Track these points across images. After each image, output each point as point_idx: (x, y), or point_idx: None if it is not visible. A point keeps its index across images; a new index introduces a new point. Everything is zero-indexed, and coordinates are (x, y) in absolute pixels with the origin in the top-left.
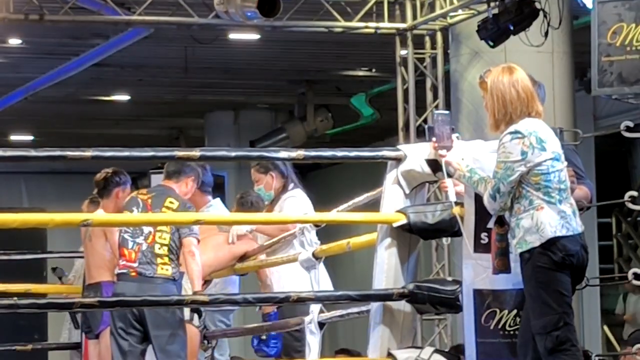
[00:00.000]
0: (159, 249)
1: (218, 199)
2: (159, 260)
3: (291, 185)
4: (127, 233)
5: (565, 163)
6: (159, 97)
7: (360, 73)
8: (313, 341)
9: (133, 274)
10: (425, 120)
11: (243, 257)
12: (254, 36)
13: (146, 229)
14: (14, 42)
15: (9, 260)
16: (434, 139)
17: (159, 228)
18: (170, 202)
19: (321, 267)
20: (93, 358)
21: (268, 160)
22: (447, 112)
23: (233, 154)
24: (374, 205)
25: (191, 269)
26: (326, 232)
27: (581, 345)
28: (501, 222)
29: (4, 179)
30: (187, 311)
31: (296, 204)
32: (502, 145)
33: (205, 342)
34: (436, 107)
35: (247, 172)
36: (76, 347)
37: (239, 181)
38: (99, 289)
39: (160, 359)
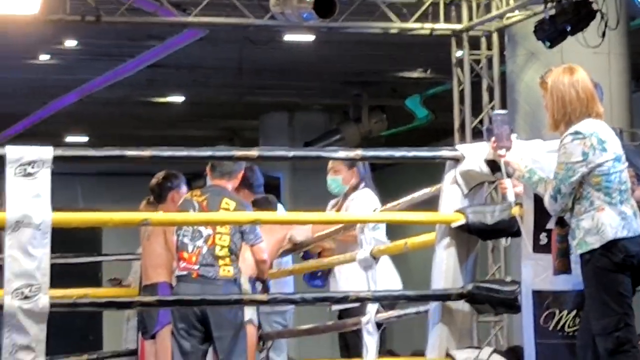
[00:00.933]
0: (220, 250)
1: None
2: (220, 262)
3: (362, 185)
4: (185, 237)
5: (626, 164)
6: (213, 99)
7: (416, 74)
8: (370, 342)
9: (195, 275)
10: (481, 122)
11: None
12: (310, 37)
13: (205, 232)
14: (70, 43)
15: (65, 263)
16: (492, 138)
17: (218, 230)
18: (227, 203)
19: (388, 264)
20: (149, 358)
21: (326, 159)
22: (505, 111)
23: (291, 153)
24: (430, 204)
25: (262, 273)
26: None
27: None
28: (562, 223)
29: (60, 180)
30: (246, 312)
31: (360, 204)
32: (563, 146)
33: (261, 343)
34: (492, 109)
35: (302, 174)
36: (132, 353)
37: (294, 182)
38: (155, 290)
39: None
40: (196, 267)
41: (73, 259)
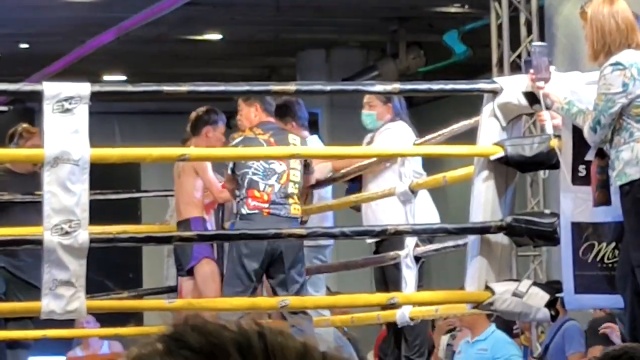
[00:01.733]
0: (292, 187)
1: (315, 136)
2: (290, 200)
3: (397, 119)
4: (256, 175)
5: None
6: (250, 36)
7: (453, 9)
8: (409, 275)
9: (266, 213)
10: (519, 56)
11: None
12: None
13: (279, 168)
14: None
15: (104, 199)
16: (531, 70)
17: (292, 166)
18: (294, 139)
19: (427, 198)
20: (188, 295)
21: (364, 93)
22: (544, 44)
23: (328, 87)
24: (468, 137)
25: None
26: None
27: None
28: (602, 154)
29: (97, 119)
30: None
31: (390, 136)
32: (603, 76)
33: None
34: (530, 43)
35: (341, 110)
36: (173, 290)
37: (332, 118)
38: (189, 225)
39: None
40: (266, 205)
41: (112, 195)
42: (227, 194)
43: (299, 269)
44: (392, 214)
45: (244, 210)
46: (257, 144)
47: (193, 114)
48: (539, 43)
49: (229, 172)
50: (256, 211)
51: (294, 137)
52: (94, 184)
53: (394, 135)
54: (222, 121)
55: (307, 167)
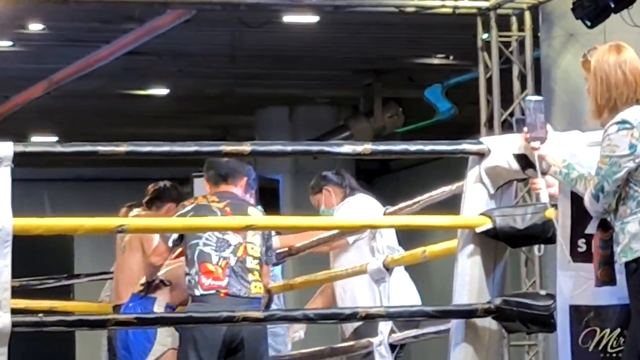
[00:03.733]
0: (251, 262)
1: (259, 207)
2: (250, 276)
3: (349, 193)
4: (208, 246)
5: None
6: (202, 91)
7: (436, 61)
8: None
9: (223, 294)
10: (511, 115)
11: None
12: (313, 18)
13: (234, 240)
14: (35, 27)
15: (40, 284)
16: (525, 129)
17: (249, 239)
18: (253, 212)
19: (404, 277)
20: None
21: (330, 155)
22: (540, 98)
23: (289, 148)
24: (451, 207)
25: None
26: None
27: None
28: (605, 226)
29: (24, 187)
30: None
31: (348, 209)
32: (608, 137)
33: None
34: (524, 99)
35: (304, 176)
36: None
37: (295, 186)
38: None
39: None
40: (223, 283)
41: (39, 282)
42: (159, 259)
43: None
44: (364, 295)
45: (197, 291)
46: (210, 213)
47: (155, 186)
48: (534, 97)
49: (170, 243)
50: (212, 291)
51: (253, 210)
52: (19, 261)
53: (354, 207)
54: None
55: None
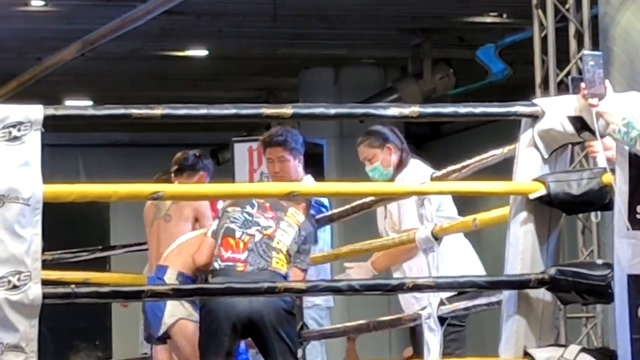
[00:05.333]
0: (278, 244)
1: (309, 176)
2: (274, 253)
3: (405, 157)
4: (234, 223)
5: None
6: (243, 52)
7: (489, 19)
8: (433, 340)
9: (240, 268)
10: (568, 75)
11: None
12: None
13: (264, 222)
14: None
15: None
16: (583, 84)
17: (283, 227)
18: (296, 212)
19: (467, 245)
20: None
21: (376, 118)
22: (598, 52)
23: (332, 111)
24: (503, 172)
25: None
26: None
27: None
28: None
29: (58, 153)
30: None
31: (411, 175)
32: None
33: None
34: (581, 59)
35: (350, 141)
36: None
37: (340, 151)
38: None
39: None
40: (242, 256)
41: (73, 255)
42: (205, 259)
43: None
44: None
45: (217, 264)
46: (248, 204)
47: (184, 154)
48: (592, 52)
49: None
50: (230, 263)
51: (295, 211)
52: (53, 233)
53: (415, 174)
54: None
55: None
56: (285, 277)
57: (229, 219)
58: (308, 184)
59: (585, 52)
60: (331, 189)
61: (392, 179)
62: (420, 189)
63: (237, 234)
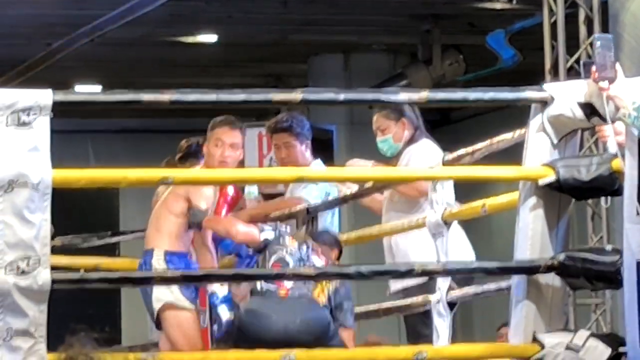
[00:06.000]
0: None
1: (319, 160)
2: (317, 285)
3: (419, 135)
4: (291, 256)
5: None
6: (253, 38)
7: (499, 5)
8: (442, 325)
9: (283, 292)
10: (577, 61)
11: None
12: None
13: (318, 262)
14: None
15: (83, 242)
16: (593, 67)
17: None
18: None
19: (460, 233)
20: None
21: (388, 104)
22: (609, 35)
23: (342, 96)
24: (512, 156)
25: None
26: (455, 192)
27: None
28: None
29: (68, 139)
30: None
31: (419, 158)
32: None
33: None
34: (591, 45)
35: (360, 127)
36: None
37: (350, 137)
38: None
39: None
40: (289, 284)
41: (82, 241)
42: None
43: None
44: (420, 250)
45: (259, 285)
46: (305, 243)
47: (188, 141)
48: (603, 35)
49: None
50: (273, 287)
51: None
52: (62, 218)
53: (421, 153)
54: None
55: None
56: (323, 310)
57: (286, 250)
58: (317, 168)
59: (596, 35)
60: (340, 174)
61: (399, 153)
62: (429, 174)
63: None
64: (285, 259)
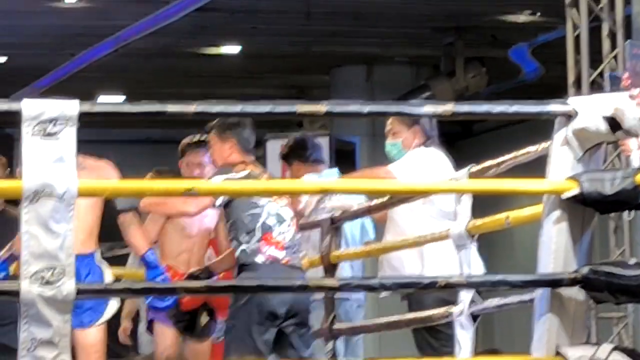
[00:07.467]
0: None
1: (335, 169)
2: (297, 248)
3: (429, 145)
4: (270, 218)
5: None
6: (276, 49)
7: (522, 18)
8: (464, 337)
9: (285, 262)
10: (601, 75)
11: None
12: None
13: (287, 215)
14: None
15: (107, 251)
16: (625, 74)
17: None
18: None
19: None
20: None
21: (409, 116)
22: None
23: (366, 108)
24: (536, 170)
25: None
26: (479, 205)
27: None
28: None
29: (91, 149)
30: None
31: (412, 158)
32: None
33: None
34: (614, 58)
35: (382, 139)
36: None
37: (372, 149)
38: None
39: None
40: (284, 253)
41: (106, 249)
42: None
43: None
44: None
45: (258, 259)
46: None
47: (190, 139)
48: (636, 41)
49: (219, 202)
50: (274, 260)
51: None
52: None
53: (417, 159)
54: None
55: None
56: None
57: (264, 213)
58: (336, 179)
59: (629, 41)
60: (362, 186)
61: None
62: (453, 187)
63: (275, 233)
64: (267, 224)
